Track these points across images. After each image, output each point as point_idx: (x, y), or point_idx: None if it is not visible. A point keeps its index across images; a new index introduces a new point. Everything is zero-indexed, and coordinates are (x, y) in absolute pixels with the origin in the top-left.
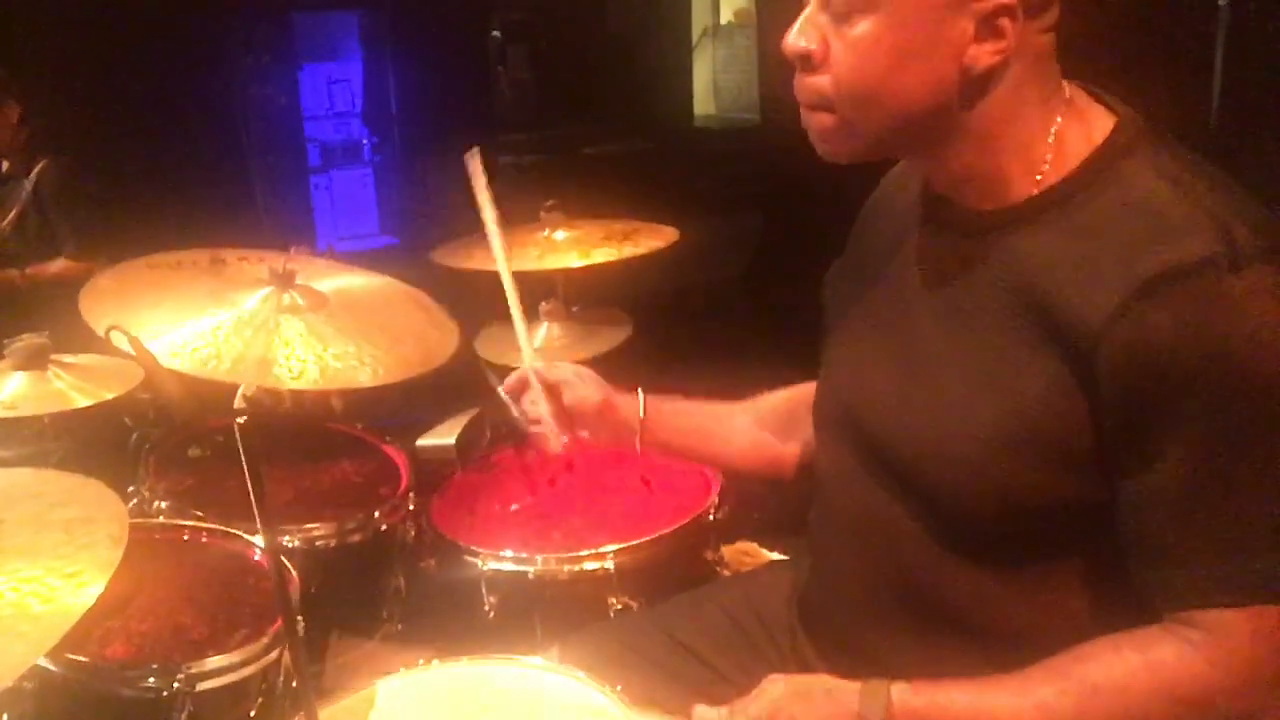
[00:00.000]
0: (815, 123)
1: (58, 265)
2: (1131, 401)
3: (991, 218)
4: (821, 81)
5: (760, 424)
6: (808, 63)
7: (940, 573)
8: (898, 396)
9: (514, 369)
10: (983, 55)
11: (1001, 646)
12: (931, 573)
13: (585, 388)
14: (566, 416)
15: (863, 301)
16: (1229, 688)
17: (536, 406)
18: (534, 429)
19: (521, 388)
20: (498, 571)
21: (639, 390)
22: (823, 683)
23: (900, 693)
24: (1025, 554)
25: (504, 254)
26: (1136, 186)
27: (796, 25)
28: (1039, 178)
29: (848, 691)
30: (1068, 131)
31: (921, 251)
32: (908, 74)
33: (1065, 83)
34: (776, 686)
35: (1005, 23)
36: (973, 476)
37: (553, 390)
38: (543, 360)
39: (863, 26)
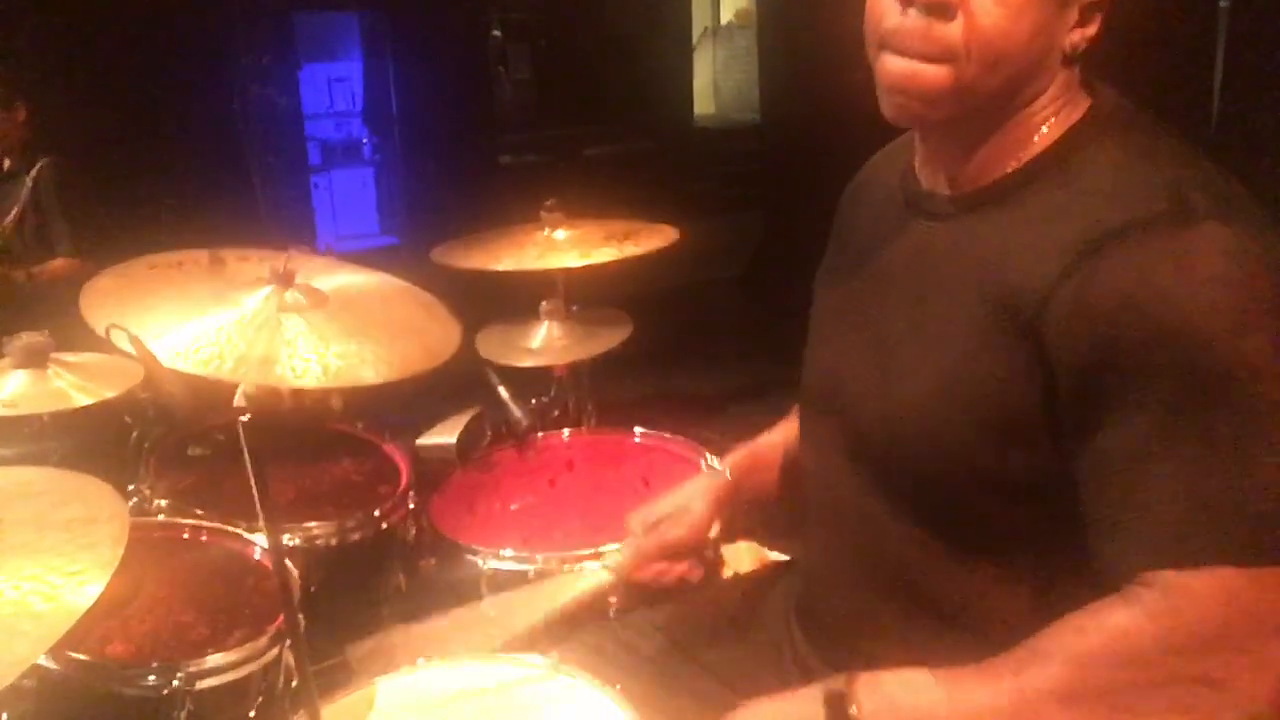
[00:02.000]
0: (927, 79)
1: (56, 264)
2: (1080, 364)
3: (963, 200)
4: (953, 32)
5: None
6: (943, 11)
7: (918, 562)
8: (873, 384)
9: (514, 368)
10: (1076, 39)
11: (984, 635)
12: (910, 562)
13: (676, 529)
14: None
15: (842, 289)
16: (1184, 649)
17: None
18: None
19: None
20: (498, 571)
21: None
22: (781, 703)
23: (865, 689)
24: (1000, 543)
25: None
26: (1096, 163)
27: None
28: (1014, 160)
29: (807, 699)
30: (1053, 117)
31: (896, 236)
32: (1037, 42)
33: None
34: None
35: (1097, 15)
36: (940, 462)
37: (670, 548)
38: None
39: None
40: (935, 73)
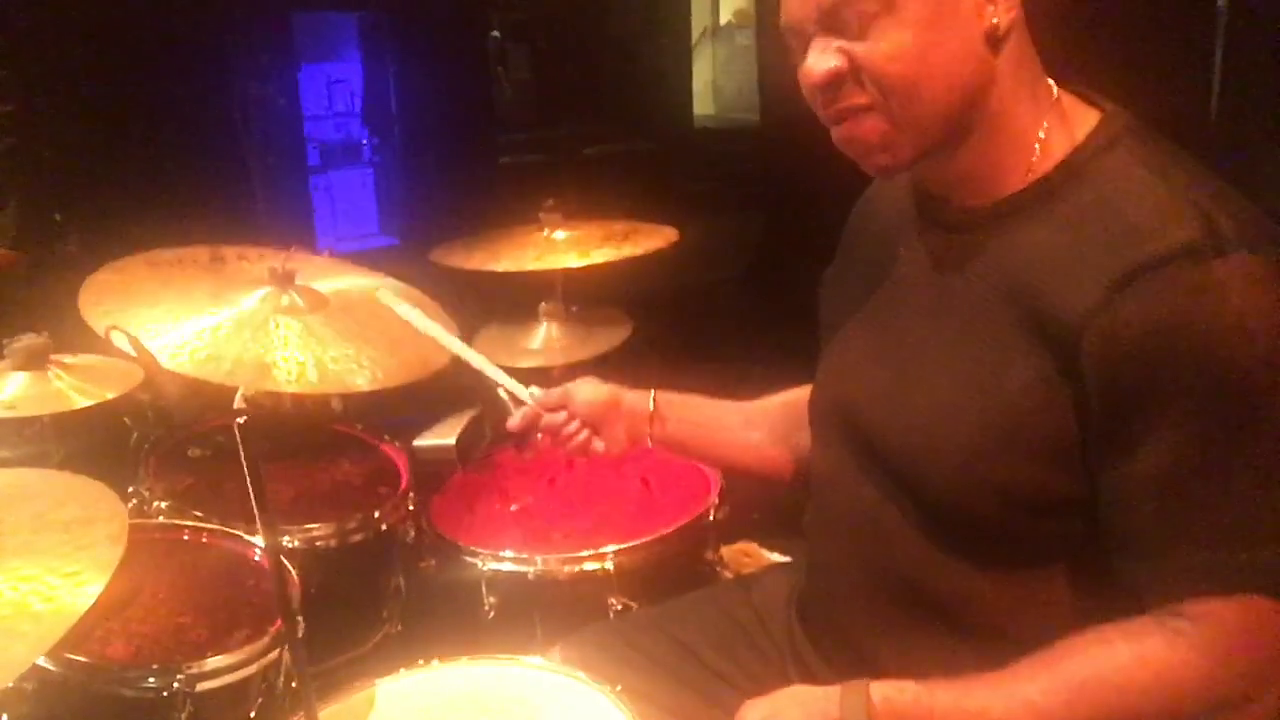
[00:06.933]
0: (866, 132)
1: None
2: (1115, 392)
3: (980, 213)
4: (866, 89)
5: (760, 425)
6: (841, 80)
7: (931, 569)
8: (889, 394)
9: (514, 369)
10: (999, 12)
11: (993, 643)
12: (922, 569)
13: (590, 390)
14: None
15: (855, 300)
16: (1218, 677)
17: (566, 427)
18: (588, 450)
19: (534, 423)
20: (497, 571)
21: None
22: (796, 696)
23: (881, 692)
24: (1014, 552)
25: (472, 353)
26: (1119, 178)
27: (812, 58)
28: (1027, 174)
29: (825, 698)
30: (1055, 128)
31: (912, 249)
32: (943, 51)
33: (1053, 85)
34: (751, 713)
35: None
36: (961, 473)
37: (562, 406)
38: (538, 388)
39: (884, 30)
40: (873, 124)
